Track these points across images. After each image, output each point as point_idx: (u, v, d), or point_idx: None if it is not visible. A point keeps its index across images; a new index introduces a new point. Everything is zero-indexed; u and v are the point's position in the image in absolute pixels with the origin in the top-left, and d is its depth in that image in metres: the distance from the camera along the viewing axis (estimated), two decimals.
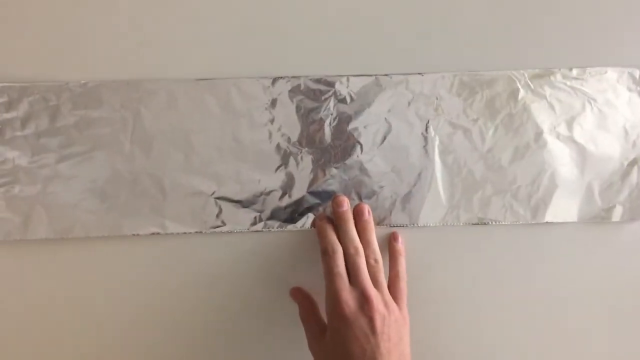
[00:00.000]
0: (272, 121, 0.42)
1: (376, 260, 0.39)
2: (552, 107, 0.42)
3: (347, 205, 0.41)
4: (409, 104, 0.42)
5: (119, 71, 0.42)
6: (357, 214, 0.41)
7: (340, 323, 0.36)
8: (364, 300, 0.37)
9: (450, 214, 0.42)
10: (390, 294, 0.39)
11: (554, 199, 0.42)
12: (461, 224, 0.42)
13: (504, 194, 0.42)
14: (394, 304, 0.38)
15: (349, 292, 0.37)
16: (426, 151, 0.42)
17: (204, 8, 0.43)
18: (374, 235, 0.40)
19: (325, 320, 0.38)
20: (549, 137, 0.42)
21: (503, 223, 0.42)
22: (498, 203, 0.42)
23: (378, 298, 0.37)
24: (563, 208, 0.42)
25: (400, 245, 0.42)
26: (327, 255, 0.39)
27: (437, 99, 0.42)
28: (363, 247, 0.39)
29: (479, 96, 0.42)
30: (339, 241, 0.39)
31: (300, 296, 0.42)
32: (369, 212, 0.41)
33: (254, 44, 0.43)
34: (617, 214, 0.42)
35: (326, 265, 0.38)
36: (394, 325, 0.37)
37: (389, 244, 0.42)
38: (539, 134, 0.42)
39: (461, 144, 0.42)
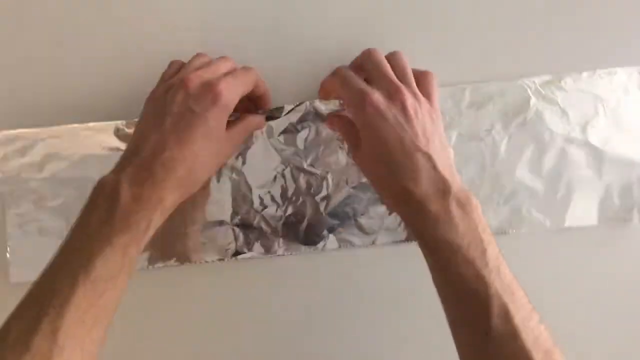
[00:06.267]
0: None
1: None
2: (564, 112, 0.42)
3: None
4: None
5: None
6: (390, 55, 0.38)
7: (372, 119, 0.35)
8: (392, 90, 0.35)
9: None
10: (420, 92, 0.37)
11: (572, 204, 0.42)
12: None
13: (520, 203, 0.42)
14: (424, 97, 0.36)
15: (375, 91, 0.35)
16: None
17: None
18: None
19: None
20: (564, 143, 0.42)
21: (521, 231, 0.42)
22: (515, 211, 0.42)
23: (406, 89, 0.36)
24: (582, 212, 0.42)
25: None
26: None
27: (446, 115, 0.42)
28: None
29: (490, 107, 0.42)
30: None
31: (336, 119, 0.41)
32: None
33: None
34: (637, 216, 0.42)
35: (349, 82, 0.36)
36: (428, 116, 0.36)
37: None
38: (553, 140, 0.42)
39: (474, 156, 0.42)
